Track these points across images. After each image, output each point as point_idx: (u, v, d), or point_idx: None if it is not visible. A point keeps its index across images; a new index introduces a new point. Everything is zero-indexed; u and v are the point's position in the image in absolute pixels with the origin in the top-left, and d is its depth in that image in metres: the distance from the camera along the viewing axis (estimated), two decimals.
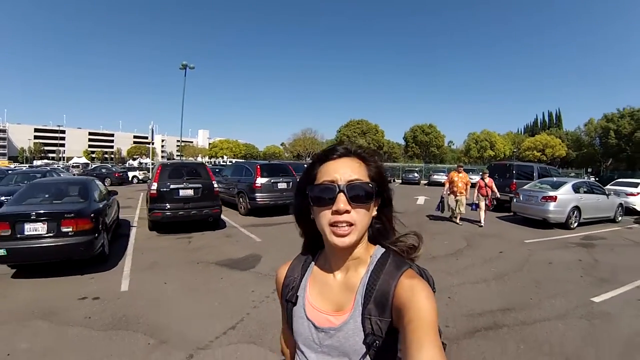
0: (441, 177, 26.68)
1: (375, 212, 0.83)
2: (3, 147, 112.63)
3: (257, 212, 10.67)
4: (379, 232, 0.87)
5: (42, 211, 5.06)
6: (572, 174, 31.73)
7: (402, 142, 67.89)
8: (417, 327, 0.64)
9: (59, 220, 5.00)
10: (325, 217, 0.77)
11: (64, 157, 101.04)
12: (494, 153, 55.90)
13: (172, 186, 7.67)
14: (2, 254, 4.75)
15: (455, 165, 28.29)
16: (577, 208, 9.76)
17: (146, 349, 3.19)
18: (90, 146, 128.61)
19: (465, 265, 6.03)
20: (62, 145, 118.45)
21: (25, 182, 10.21)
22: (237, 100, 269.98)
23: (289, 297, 0.89)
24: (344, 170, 0.77)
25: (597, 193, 10.88)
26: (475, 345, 3.35)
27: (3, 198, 8.07)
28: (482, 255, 6.66)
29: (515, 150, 57.12)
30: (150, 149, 33.82)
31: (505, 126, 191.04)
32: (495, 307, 4.24)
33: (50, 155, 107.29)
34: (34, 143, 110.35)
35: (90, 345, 3.28)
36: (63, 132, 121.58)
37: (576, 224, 9.78)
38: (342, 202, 0.74)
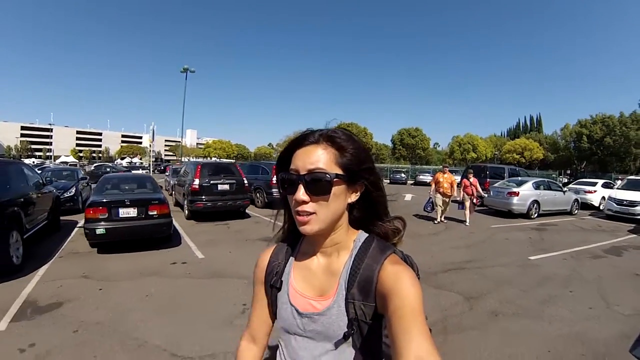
0: (427, 178, 29.42)
1: (354, 198, 0.81)
2: None
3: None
4: (363, 217, 0.87)
5: (133, 198, 6.67)
6: (554, 175, 34.35)
7: (390, 144, 70.57)
8: (403, 316, 0.64)
9: (147, 205, 6.59)
10: (292, 204, 0.78)
11: (51, 156, 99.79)
12: (476, 155, 58.94)
13: (211, 182, 9.47)
14: (102, 232, 6.08)
15: (441, 166, 30.70)
16: (536, 202, 11.96)
17: (246, 285, 4.75)
18: (77, 145, 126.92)
19: (443, 239, 8.10)
20: (50, 143, 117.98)
21: (54, 178, 11.42)
22: (225, 101, 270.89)
23: (273, 282, 0.89)
24: (307, 159, 0.75)
25: (554, 190, 13.15)
26: (446, 276, 5.37)
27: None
28: (456, 235, 8.74)
29: (496, 152, 60.20)
30: (149, 148, 35.22)
31: (489, 128, 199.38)
32: (461, 260, 6.30)
33: (37, 153, 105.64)
34: (21, 141, 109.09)
35: (201, 287, 4.74)
36: (50, 130, 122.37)
37: (536, 215, 11.97)
38: (300, 192, 0.74)
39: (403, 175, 33.66)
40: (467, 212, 10.36)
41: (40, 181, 7.52)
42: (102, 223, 6.20)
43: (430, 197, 10.73)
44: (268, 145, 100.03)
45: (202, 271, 5.49)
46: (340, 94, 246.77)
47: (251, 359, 0.96)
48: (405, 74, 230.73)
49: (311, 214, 0.75)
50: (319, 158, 0.75)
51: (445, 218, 10.76)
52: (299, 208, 0.75)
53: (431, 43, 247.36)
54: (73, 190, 10.45)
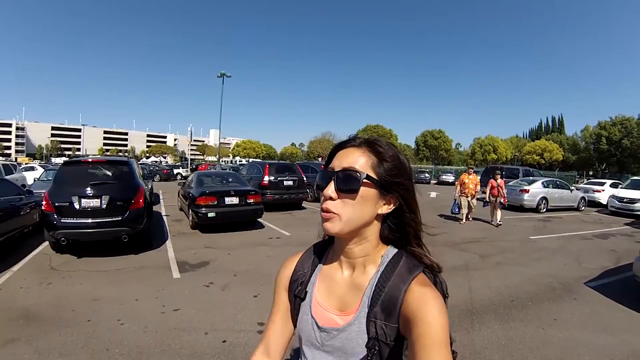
0: (449, 177, 31.92)
1: (386, 211, 0.79)
2: (22, 144, 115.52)
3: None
4: (394, 237, 0.83)
5: (236, 189, 9.00)
6: (574, 177, 35.93)
7: (413, 145, 72.23)
8: (427, 345, 0.62)
9: (246, 195, 8.92)
10: (322, 201, 0.78)
11: (79, 155, 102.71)
12: (496, 156, 60.14)
13: (279, 178, 11.96)
14: (213, 215, 8.11)
15: (464, 166, 32.76)
16: (544, 198, 14.00)
17: None
18: (105, 144, 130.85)
19: (463, 227, 10.33)
20: (78, 143, 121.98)
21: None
22: (249, 100, 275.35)
23: (297, 292, 0.88)
24: (345, 159, 0.76)
25: (562, 188, 15.14)
26: (467, 245, 7.72)
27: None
28: (475, 223, 10.95)
29: (516, 153, 61.21)
30: (188, 147, 38.17)
31: (512, 129, 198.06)
32: (476, 237, 8.59)
33: (67, 152, 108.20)
34: (51, 141, 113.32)
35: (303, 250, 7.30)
36: (79, 130, 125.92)
37: (545, 210, 14.01)
38: (330, 188, 0.75)
39: (427, 175, 35.83)
40: (498, 211, 10.56)
41: None
42: (213, 208, 8.29)
43: (455, 200, 11.00)
44: (291, 144, 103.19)
45: (296, 242, 7.63)
46: (365, 94, 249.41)
47: None
48: (428, 74, 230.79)
49: (334, 213, 0.74)
50: (356, 159, 0.75)
51: (472, 218, 11.29)
52: (325, 204, 0.76)
53: (453, 43, 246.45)
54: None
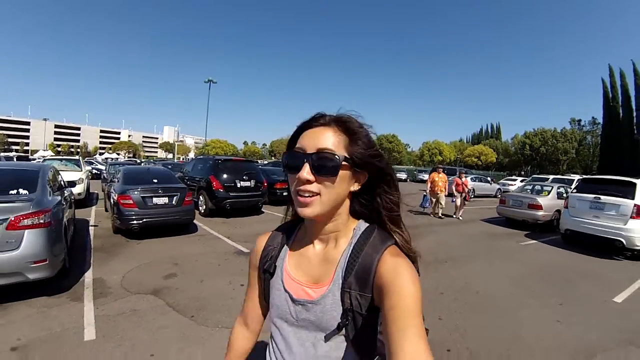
0: (402, 175, 39.05)
1: (357, 188, 0.80)
2: None
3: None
4: (365, 212, 0.85)
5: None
6: (507, 175, 44.47)
7: None
8: (400, 315, 0.63)
9: (274, 183, 13.17)
10: (293, 184, 0.76)
11: (28, 150, 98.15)
12: (442, 158, 68.84)
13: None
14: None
15: (414, 167, 39.71)
16: (473, 189, 20.42)
17: None
18: (55, 139, 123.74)
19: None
20: (27, 137, 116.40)
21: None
22: (214, 101, 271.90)
23: (266, 266, 0.88)
24: (317, 139, 0.74)
25: (484, 182, 21.73)
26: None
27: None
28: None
29: (459, 156, 70.31)
30: (176, 146, 41.48)
31: (458, 132, 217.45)
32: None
33: (14, 147, 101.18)
34: None
35: None
36: (28, 123, 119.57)
37: (473, 196, 20.38)
38: (305, 171, 0.72)
39: None
40: (459, 206, 11.98)
41: None
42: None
43: (425, 195, 12.20)
44: (252, 143, 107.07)
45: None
46: (321, 94, 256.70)
47: (244, 344, 0.98)
48: (383, 82, 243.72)
49: (315, 195, 0.73)
50: (328, 139, 0.74)
51: (441, 214, 12.13)
52: (302, 187, 0.73)
53: (406, 48, 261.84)
54: None
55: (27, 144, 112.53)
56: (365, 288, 0.73)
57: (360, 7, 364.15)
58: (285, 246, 0.90)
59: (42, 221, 3.99)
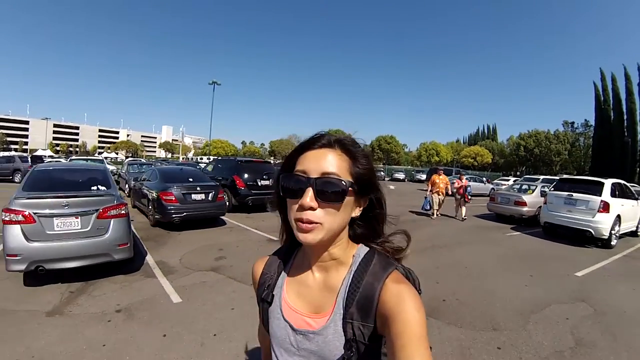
0: (400, 175, 41.17)
1: (358, 213, 0.78)
2: None
3: None
4: (364, 234, 0.83)
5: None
6: (502, 176, 46.04)
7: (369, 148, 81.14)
8: (407, 343, 0.62)
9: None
10: (293, 209, 0.71)
11: (27, 149, 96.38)
12: (439, 159, 70.24)
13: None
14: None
15: (412, 167, 40.99)
16: (469, 186, 21.70)
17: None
18: (55, 138, 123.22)
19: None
20: (26, 136, 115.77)
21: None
22: (206, 98, 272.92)
23: (264, 296, 0.85)
24: (321, 162, 0.71)
25: (478, 182, 23.08)
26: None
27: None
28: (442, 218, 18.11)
29: (455, 156, 71.75)
30: (181, 146, 42.56)
31: (455, 132, 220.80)
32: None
33: (13, 147, 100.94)
34: None
35: None
36: (27, 122, 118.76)
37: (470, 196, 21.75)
38: (308, 196, 0.69)
39: (382, 172, 44.14)
40: (462, 208, 12.12)
41: None
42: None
43: (426, 197, 12.50)
44: (250, 143, 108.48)
45: None
46: (320, 94, 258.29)
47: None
48: (383, 84, 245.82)
49: (316, 223, 0.69)
50: (332, 163, 0.71)
51: (440, 214, 12.47)
52: (303, 215, 0.69)
53: (406, 49, 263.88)
54: None
55: (26, 143, 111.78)
56: (367, 318, 0.71)
57: (360, 7, 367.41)
58: (283, 272, 0.87)
59: (122, 212, 4.92)
